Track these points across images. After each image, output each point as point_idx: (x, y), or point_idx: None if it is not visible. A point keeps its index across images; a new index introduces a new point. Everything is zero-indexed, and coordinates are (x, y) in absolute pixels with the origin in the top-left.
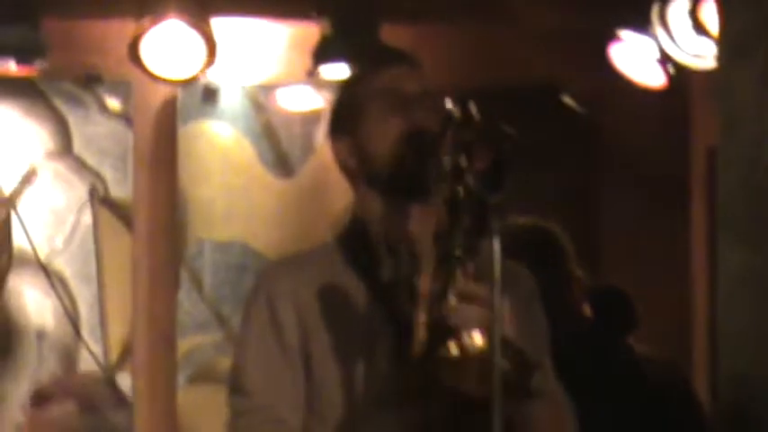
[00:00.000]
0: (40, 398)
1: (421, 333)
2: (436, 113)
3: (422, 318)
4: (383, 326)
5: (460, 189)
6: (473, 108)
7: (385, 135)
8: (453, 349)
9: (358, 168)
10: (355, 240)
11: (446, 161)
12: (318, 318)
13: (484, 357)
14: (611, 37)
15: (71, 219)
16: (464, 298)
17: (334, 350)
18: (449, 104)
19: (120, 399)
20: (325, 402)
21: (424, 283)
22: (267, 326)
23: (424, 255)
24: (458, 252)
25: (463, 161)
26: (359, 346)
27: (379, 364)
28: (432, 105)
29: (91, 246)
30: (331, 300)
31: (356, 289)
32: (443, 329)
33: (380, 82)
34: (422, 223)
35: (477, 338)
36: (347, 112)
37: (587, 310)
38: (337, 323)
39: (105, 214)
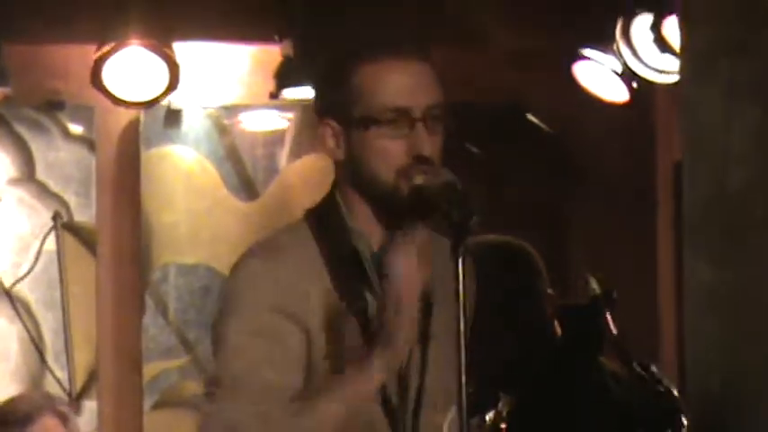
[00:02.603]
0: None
1: None
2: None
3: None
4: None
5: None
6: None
7: (386, 160)
8: None
9: (344, 166)
10: (327, 220)
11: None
12: (308, 303)
13: None
14: (576, 55)
15: (35, 245)
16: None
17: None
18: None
19: None
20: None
21: None
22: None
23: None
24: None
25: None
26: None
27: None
28: (433, 128)
29: (55, 272)
30: (312, 283)
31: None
32: None
33: (381, 98)
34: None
35: None
36: (334, 95)
37: (558, 328)
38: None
39: (69, 240)
